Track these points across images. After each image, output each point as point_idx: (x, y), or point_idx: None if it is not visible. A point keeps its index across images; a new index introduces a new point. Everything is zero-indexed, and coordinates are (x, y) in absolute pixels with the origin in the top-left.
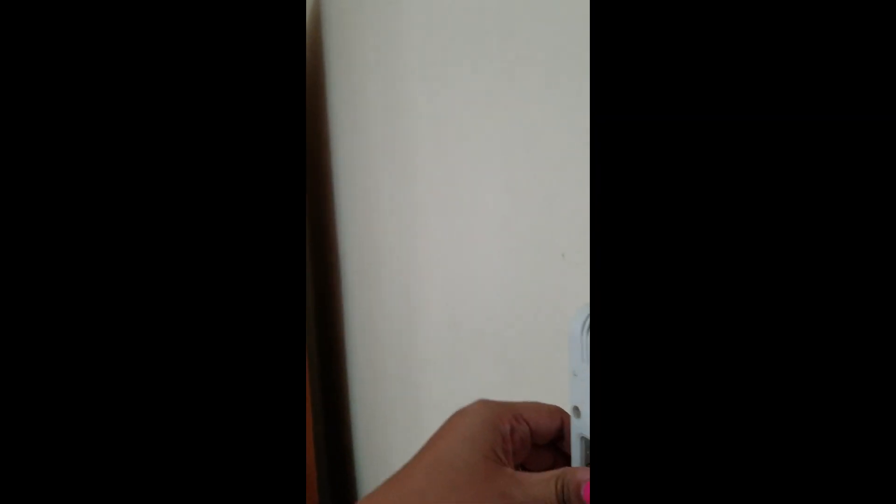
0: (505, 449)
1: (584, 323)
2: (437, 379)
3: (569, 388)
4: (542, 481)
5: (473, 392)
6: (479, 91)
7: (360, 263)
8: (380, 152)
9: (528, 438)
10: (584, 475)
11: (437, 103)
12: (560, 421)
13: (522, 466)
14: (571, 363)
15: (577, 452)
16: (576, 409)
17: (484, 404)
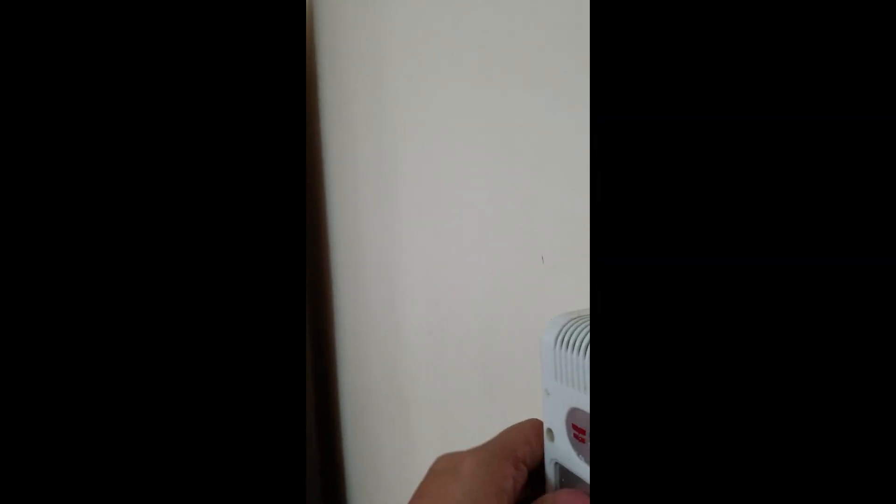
0: None
1: (558, 336)
2: (421, 383)
3: (542, 408)
4: None
5: (455, 396)
6: (459, 90)
7: (348, 265)
8: (364, 152)
9: (526, 481)
10: (566, 497)
11: (417, 102)
12: (541, 444)
13: None
14: (545, 380)
15: (552, 478)
16: (549, 431)
17: (477, 463)
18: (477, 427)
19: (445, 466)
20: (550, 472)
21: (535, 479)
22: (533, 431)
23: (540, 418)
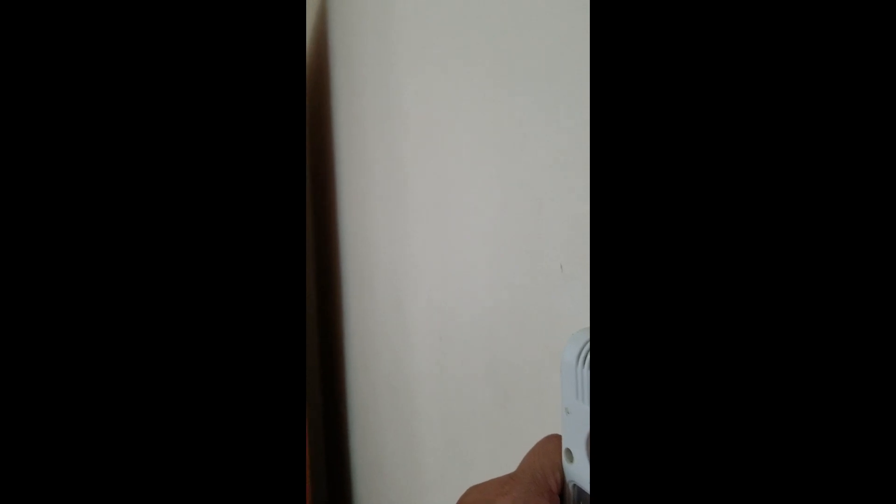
0: None
1: (581, 352)
2: (428, 392)
3: (561, 427)
4: None
5: (463, 407)
6: (471, 89)
7: (357, 267)
8: (374, 154)
9: None
10: None
11: (428, 102)
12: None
13: None
14: (564, 399)
15: (570, 501)
16: (568, 451)
17: (513, 502)
18: (486, 436)
19: (477, 501)
20: (568, 494)
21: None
22: (558, 453)
23: (555, 430)
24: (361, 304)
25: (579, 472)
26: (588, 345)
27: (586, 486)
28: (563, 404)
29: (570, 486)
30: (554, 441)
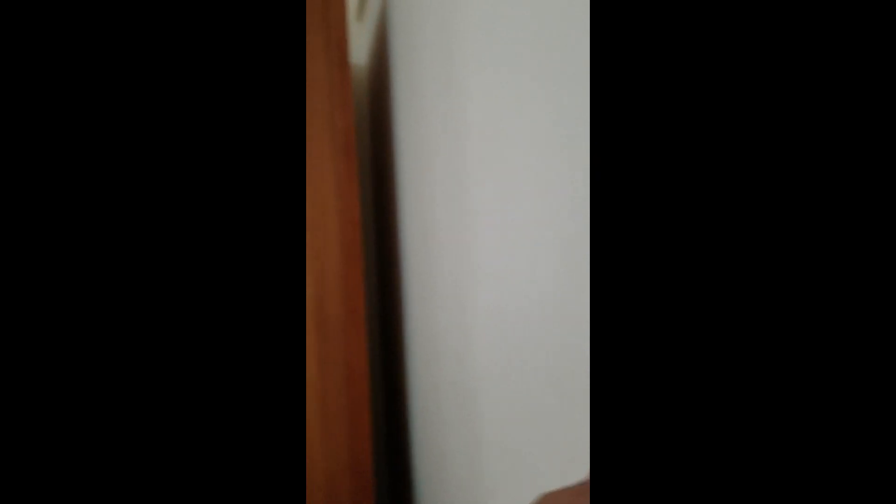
0: None
1: None
2: (492, 394)
3: None
4: None
5: (528, 410)
6: (536, 86)
7: (418, 269)
8: (436, 155)
9: None
10: None
11: (491, 98)
12: None
13: None
14: None
15: None
16: None
17: None
18: (552, 441)
19: None
20: None
21: None
22: None
23: None
24: (423, 304)
25: None
26: None
27: None
28: None
29: None
30: None
